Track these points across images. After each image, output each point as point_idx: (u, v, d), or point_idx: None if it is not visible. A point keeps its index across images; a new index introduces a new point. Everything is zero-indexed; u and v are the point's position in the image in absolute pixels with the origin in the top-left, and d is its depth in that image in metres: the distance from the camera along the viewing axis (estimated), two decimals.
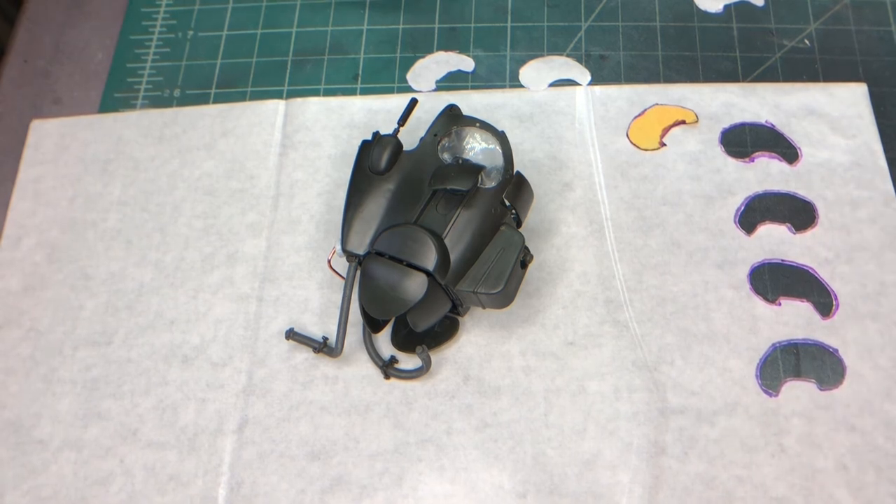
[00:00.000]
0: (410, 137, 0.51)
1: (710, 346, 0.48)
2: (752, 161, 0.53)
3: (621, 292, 0.50)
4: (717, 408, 0.46)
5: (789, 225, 0.51)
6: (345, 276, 0.48)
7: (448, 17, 0.60)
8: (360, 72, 0.59)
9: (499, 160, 0.49)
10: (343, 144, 0.55)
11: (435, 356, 0.48)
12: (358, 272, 0.48)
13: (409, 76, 0.58)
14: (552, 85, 0.57)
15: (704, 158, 0.53)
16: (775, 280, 0.50)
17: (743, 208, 0.52)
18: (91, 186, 0.56)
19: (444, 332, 0.49)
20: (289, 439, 0.47)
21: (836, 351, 0.48)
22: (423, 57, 0.59)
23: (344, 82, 0.58)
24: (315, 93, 0.58)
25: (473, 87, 0.57)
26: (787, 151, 0.53)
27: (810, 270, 0.50)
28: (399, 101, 0.55)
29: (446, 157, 0.49)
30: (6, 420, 0.49)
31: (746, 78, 0.56)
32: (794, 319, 0.49)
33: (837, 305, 0.49)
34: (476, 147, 0.49)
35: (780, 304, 0.49)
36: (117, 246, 0.53)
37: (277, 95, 0.58)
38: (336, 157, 0.55)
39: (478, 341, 0.49)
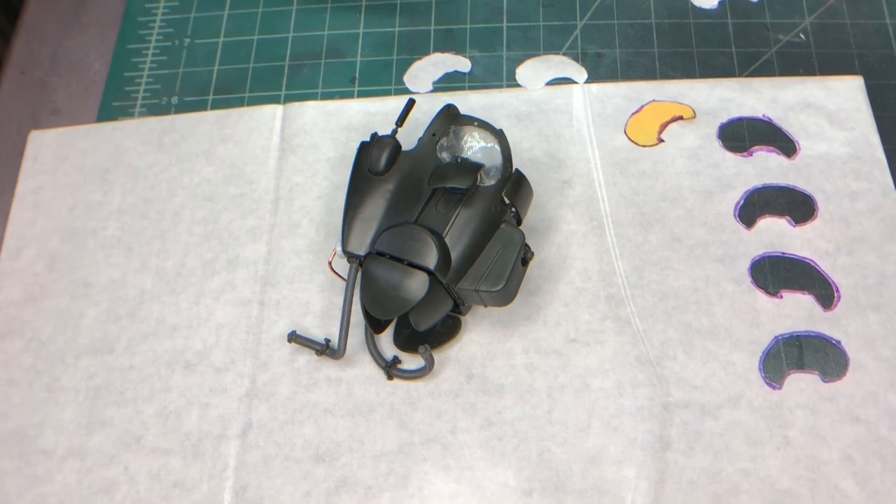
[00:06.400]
0: (409, 139, 0.51)
1: (713, 340, 0.48)
2: (751, 155, 0.53)
3: (622, 288, 0.50)
4: (720, 401, 0.46)
5: (789, 218, 0.51)
6: (346, 277, 0.48)
7: (444, 18, 0.60)
8: (358, 75, 0.59)
9: (497, 158, 0.49)
10: (341, 147, 0.55)
11: (437, 356, 0.48)
12: (359, 273, 0.48)
13: (406, 78, 0.58)
14: (549, 84, 0.57)
15: (703, 153, 0.53)
16: (776, 273, 0.50)
17: (742, 202, 0.52)
18: (91, 195, 0.56)
19: (447, 331, 0.49)
20: (293, 442, 0.47)
21: (839, 343, 0.48)
22: (419, 59, 0.59)
23: (341, 85, 0.58)
24: (312, 96, 0.58)
25: (470, 88, 0.58)
26: (786, 145, 0.53)
27: (811, 263, 0.50)
28: (397, 103, 0.55)
29: (445, 156, 0.49)
30: (9, 430, 0.49)
31: (743, 73, 0.57)
32: (795, 312, 0.49)
33: (839, 297, 0.49)
34: (475, 146, 0.49)
35: (781, 297, 0.49)
36: (118, 254, 0.53)
37: (275, 100, 0.58)
38: (335, 159, 0.55)
39: (480, 340, 0.49)
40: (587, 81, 0.57)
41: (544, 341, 0.49)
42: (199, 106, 0.59)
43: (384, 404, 0.48)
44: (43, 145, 0.58)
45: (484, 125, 0.50)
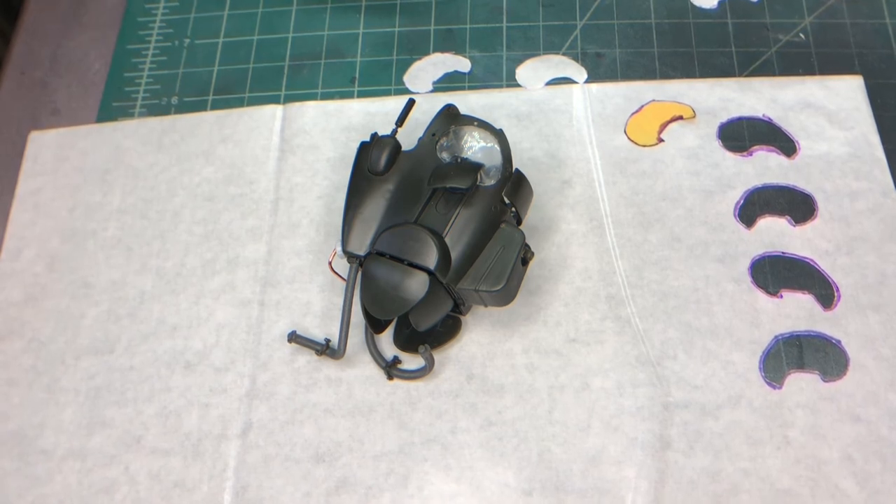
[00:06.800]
0: (409, 139, 0.51)
1: (713, 339, 0.48)
2: (751, 155, 0.53)
3: (623, 288, 0.50)
4: (720, 401, 0.46)
5: (789, 217, 0.51)
6: (346, 277, 0.48)
7: (444, 18, 0.60)
8: (357, 75, 0.59)
9: (497, 158, 0.49)
10: (341, 147, 0.55)
11: (438, 355, 0.48)
12: (359, 273, 0.48)
13: (405, 78, 0.58)
14: (549, 84, 0.57)
15: (703, 153, 0.53)
16: (776, 273, 0.50)
17: (742, 202, 0.52)
18: (91, 196, 0.56)
19: (447, 331, 0.49)
20: (293, 442, 0.47)
21: (839, 342, 0.48)
22: (419, 59, 0.59)
23: (341, 85, 0.58)
24: (312, 97, 0.58)
25: (470, 88, 0.58)
26: (785, 145, 0.53)
27: (811, 262, 0.50)
28: (396, 104, 0.55)
29: (445, 156, 0.49)
30: (10, 431, 0.49)
31: (742, 73, 0.57)
32: (795, 311, 0.49)
33: (839, 297, 0.49)
34: (475, 146, 0.49)
35: (781, 297, 0.49)
36: (118, 254, 0.53)
37: (275, 100, 0.58)
38: (335, 160, 0.55)
39: (480, 340, 0.49)
40: (587, 81, 0.57)
41: (544, 341, 0.49)
42: (199, 106, 0.59)
43: (384, 404, 0.48)
44: (43, 146, 0.58)
45: (484, 125, 0.50)
